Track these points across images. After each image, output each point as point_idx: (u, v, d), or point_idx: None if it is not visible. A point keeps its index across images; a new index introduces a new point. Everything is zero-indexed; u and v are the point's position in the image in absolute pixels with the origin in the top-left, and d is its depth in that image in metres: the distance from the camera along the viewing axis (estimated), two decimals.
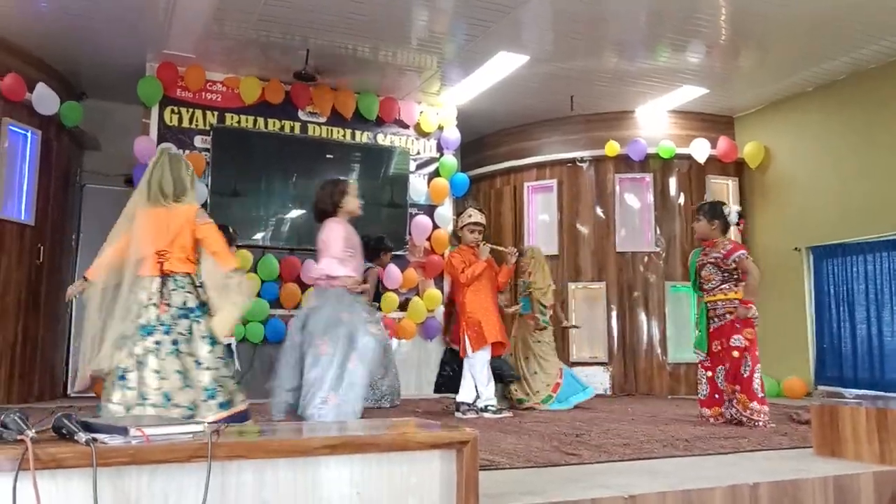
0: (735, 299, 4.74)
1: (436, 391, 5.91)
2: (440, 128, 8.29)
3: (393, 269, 7.43)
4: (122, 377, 3.49)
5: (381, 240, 6.35)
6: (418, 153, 8.21)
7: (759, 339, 8.07)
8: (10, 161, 6.51)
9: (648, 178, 8.48)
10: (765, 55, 7.00)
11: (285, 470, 1.71)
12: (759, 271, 4.81)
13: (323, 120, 7.76)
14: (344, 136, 7.87)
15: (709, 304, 4.88)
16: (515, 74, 7.27)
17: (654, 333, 8.22)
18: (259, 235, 7.42)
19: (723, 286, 4.80)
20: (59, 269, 7.20)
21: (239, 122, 7.44)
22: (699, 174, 8.50)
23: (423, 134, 8.24)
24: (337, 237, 4.21)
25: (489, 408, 5.30)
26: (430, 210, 8.09)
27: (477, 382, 5.36)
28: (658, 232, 8.38)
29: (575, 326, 7.89)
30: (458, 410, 5.38)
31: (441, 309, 7.24)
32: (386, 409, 5.82)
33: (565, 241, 8.56)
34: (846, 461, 2.97)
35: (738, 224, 5.01)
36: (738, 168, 8.61)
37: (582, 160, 8.59)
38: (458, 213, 6.12)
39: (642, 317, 8.28)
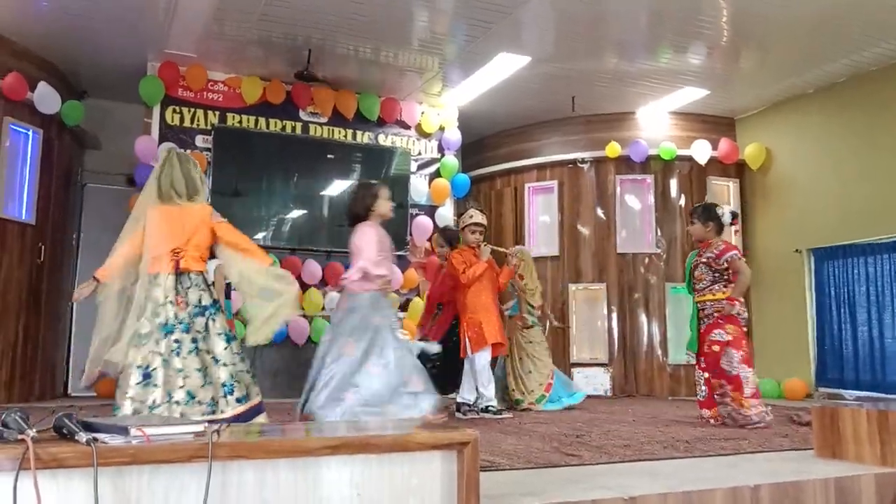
0: (723, 299, 4.76)
1: None
2: (441, 128, 8.29)
3: (394, 269, 7.44)
4: (148, 376, 3.52)
5: None
6: (419, 154, 8.22)
7: (759, 341, 8.17)
8: (12, 160, 6.51)
9: (649, 179, 8.48)
10: (765, 57, 7.00)
11: (286, 470, 1.71)
12: (751, 272, 4.84)
13: (324, 120, 7.76)
14: (345, 136, 7.87)
15: (699, 305, 4.91)
16: (516, 75, 7.27)
17: (654, 335, 8.22)
18: (260, 235, 7.42)
19: (713, 286, 4.83)
20: (60, 269, 7.20)
21: (240, 121, 7.45)
22: (700, 176, 8.50)
23: (424, 134, 8.24)
24: (370, 241, 4.24)
25: (490, 408, 5.30)
26: (430, 211, 8.10)
27: (477, 383, 5.35)
28: (659, 233, 8.38)
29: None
30: (458, 411, 5.39)
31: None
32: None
33: (566, 243, 8.56)
34: (847, 463, 2.96)
35: (732, 224, 5.03)
36: (739, 170, 8.61)
37: (583, 161, 8.59)
38: (459, 213, 6.13)
39: (643, 318, 8.28)
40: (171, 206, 3.77)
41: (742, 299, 4.80)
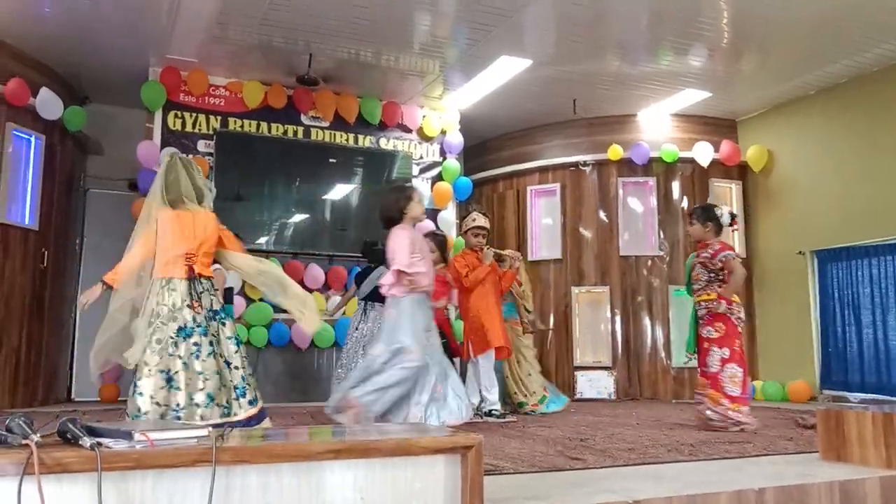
0: (715, 298, 4.77)
1: None
2: (443, 132, 8.30)
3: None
4: (171, 379, 3.55)
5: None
6: (421, 157, 8.22)
7: (763, 343, 8.16)
8: (14, 166, 6.52)
9: (651, 181, 8.48)
10: (767, 58, 6.99)
11: (289, 474, 1.71)
12: (744, 272, 4.83)
13: (326, 124, 7.77)
14: (347, 140, 7.88)
15: (696, 305, 4.92)
16: (518, 78, 7.28)
17: (657, 337, 8.21)
18: (262, 240, 7.43)
19: (708, 287, 4.84)
20: (63, 274, 7.21)
21: (242, 126, 7.45)
22: (702, 178, 8.49)
23: (425, 138, 8.25)
24: (402, 245, 4.27)
25: (493, 412, 5.29)
26: (433, 214, 8.09)
27: (481, 387, 5.35)
28: (661, 236, 8.37)
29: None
30: None
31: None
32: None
33: (568, 245, 8.55)
34: (852, 466, 2.95)
35: (730, 225, 5.03)
36: (741, 171, 8.60)
37: (585, 164, 8.58)
38: (462, 217, 6.13)
39: (646, 321, 8.27)
40: (183, 211, 3.81)
41: (737, 299, 4.80)
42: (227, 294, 5.46)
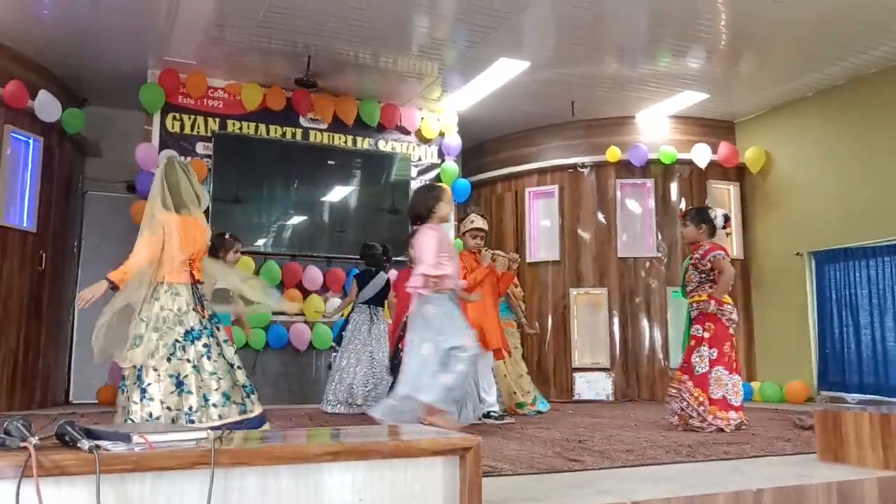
0: (706, 300, 4.79)
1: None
2: (441, 134, 8.30)
3: (394, 275, 7.44)
4: (181, 384, 3.56)
5: (386, 249, 6.47)
6: (419, 159, 8.23)
7: (760, 344, 8.17)
8: (13, 168, 6.52)
9: (649, 183, 8.49)
10: (765, 60, 7.01)
11: (288, 477, 1.71)
12: (734, 272, 4.82)
13: (324, 126, 7.78)
14: (345, 142, 7.89)
15: (689, 307, 4.93)
16: (516, 80, 7.29)
17: (656, 339, 8.21)
18: (261, 242, 7.43)
19: (699, 288, 4.85)
20: (61, 276, 7.21)
21: (240, 128, 7.46)
22: (700, 179, 8.50)
23: (424, 140, 8.26)
24: (430, 245, 4.29)
25: (491, 414, 5.29)
26: None
27: (479, 389, 5.33)
28: (659, 237, 8.38)
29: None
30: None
31: None
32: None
33: (567, 247, 8.56)
34: (850, 467, 2.95)
35: (724, 227, 5.03)
36: (739, 173, 8.61)
37: (583, 166, 8.59)
38: (460, 218, 6.13)
39: (644, 322, 8.27)
40: (186, 217, 3.84)
41: (730, 301, 4.80)
42: (219, 294, 5.43)
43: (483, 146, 9.42)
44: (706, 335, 4.73)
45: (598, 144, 8.51)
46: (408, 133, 8.19)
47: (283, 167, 7.58)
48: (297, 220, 7.75)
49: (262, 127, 7.54)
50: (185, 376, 3.60)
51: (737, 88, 7.74)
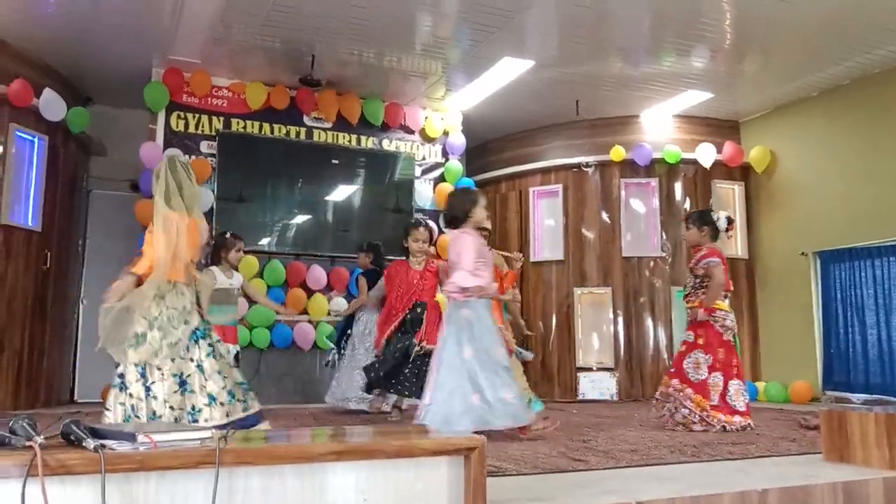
0: (697, 307, 4.79)
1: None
2: (445, 133, 8.30)
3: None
4: (184, 383, 3.58)
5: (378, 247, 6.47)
6: (423, 158, 8.22)
7: (765, 344, 8.15)
8: (18, 167, 6.53)
9: (654, 182, 8.47)
10: (769, 60, 6.99)
11: (292, 476, 1.71)
12: (723, 281, 4.74)
13: (328, 125, 7.78)
14: (349, 141, 7.89)
15: (687, 310, 4.92)
16: (520, 79, 7.28)
17: (660, 339, 8.20)
18: (265, 241, 7.44)
19: (693, 294, 4.85)
20: (65, 275, 7.22)
21: (245, 127, 7.46)
22: (705, 179, 8.48)
23: (428, 139, 8.25)
24: (468, 250, 4.28)
25: None
26: (435, 215, 8.08)
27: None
28: (664, 237, 8.36)
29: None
30: None
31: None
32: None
33: (571, 247, 8.55)
34: (855, 467, 2.95)
35: (727, 230, 4.99)
36: (743, 173, 8.59)
37: (587, 165, 8.58)
38: None
39: (648, 322, 8.26)
40: (192, 218, 3.85)
41: (724, 307, 4.76)
42: (221, 294, 5.42)
43: (487, 145, 9.41)
44: (700, 341, 4.73)
45: (603, 144, 8.50)
46: (412, 132, 8.18)
47: (286, 166, 7.58)
48: (301, 219, 7.75)
49: (266, 126, 7.54)
50: (189, 375, 3.61)
51: (741, 88, 7.73)
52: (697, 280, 4.84)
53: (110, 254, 7.03)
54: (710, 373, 4.65)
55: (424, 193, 8.11)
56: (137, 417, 3.52)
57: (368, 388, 5.59)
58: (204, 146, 7.27)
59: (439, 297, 5.41)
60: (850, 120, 7.40)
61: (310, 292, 7.36)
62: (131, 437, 1.59)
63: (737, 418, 4.59)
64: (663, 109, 8.30)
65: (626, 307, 8.29)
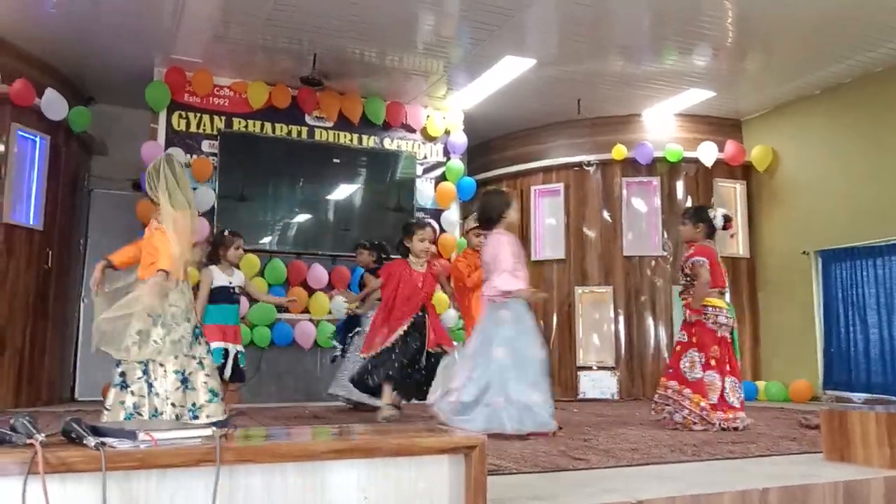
0: (685, 308, 4.81)
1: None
2: (447, 132, 8.30)
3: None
4: (186, 380, 3.59)
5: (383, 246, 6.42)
6: (425, 157, 8.22)
7: (766, 343, 8.14)
8: (19, 166, 6.54)
9: (655, 181, 8.47)
10: (771, 58, 6.98)
11: (293, 474, 1.71)
12: (708, 281, 4.71)
13: (330, 124, 7.78)
14: (351, 140, 7.89)
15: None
16: (521, 78, 7.28)
17: (661, 338, 8.20)
18: (266, 240, 7.44)
19: (685, 291, 4.86)
20: (67, 274, 7.23)
21: (246, 126, 7.47)
22: (706, 178, 8.48)
23: (429, 138, 8.25)
24: (506, 251, 4.31)
25: None
26: (436, 214, 8.09)
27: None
28: (665, 236, 8.35)
29: None
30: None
31: (451, 312, 7.22)
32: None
33: (572, 245, 8.55)
34: (856, 466, 2.95)
35: (725, 228, 4.95)
36: (745, 171, 8.59)
37: (589, 164, 8.58)
38: (464, 217, 6.12)
39: (649, 321, 8.26)
40: (191, 218, 3.87)
41: (718, 303, 4.75)
42: (221, 293, 5.39)
43: (489, 144, 9.41)
44: (694, 340, 4.73)
45: (604, 142, 8.50)
46: (413, 131, 8.18)
47: (288, 165, 7.59)
48: (302, 218, 7.75)
49: (268, 125, 7.54)
50: (190, 373, 3.63)
51: (743, 86, 7.72)
52: (687, 278, 4.84)
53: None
54: (704, 371, 4.65)
55: (426, 192, 8.11)
56: (140, 415, 3.53)
57: (368, 391, 5.33)
58: (205, 145, 7.27)
59: (435, 298, 5.38)
60: (852, 118, 7.39)
61: (311, 291, 7.37)
62: (132, 435, 1.59)
63: (731, 415, 4.59)
64: (665, 108, 8.29)
65: (627, 306, 8.29)
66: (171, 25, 6.24)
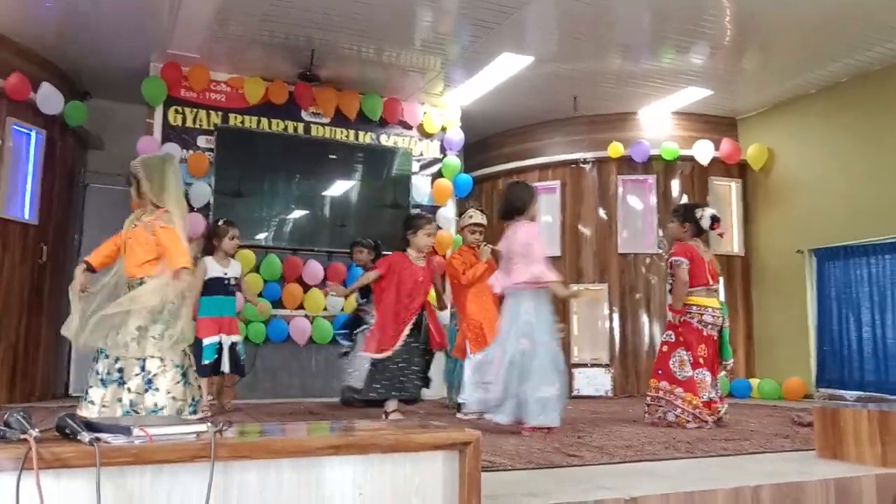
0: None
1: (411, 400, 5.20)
2: (443, 129, 8.29)
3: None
4: (185, 375, 3.62)
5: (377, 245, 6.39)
6: (421, 154, 8.21)
7: (760, 341, 8.16)
8: (14, 160, 6.52)
9: (651, 179, 8.48)
10: (768, 57, 6.99)
11: (288, 470, 1.71)
12: (686, 281, 4.72)
13: (326, 120, 7.77)
14: (347, 136, 7.88)
15: None
16: (519, 75, 7.27)
17: (655, 335, 8.20)
18: (262, 236, 7.43)
19: (670, 290, 4.88)
20: (61, 269, 7.21)
21: (243, 122, 7.45)
22: (702, 176, 8.49)
23: (426, 135, 8.24)
24: (540, 241, 4.32)
25: None
26: (432, 211, 8.07)
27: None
28: (660, 234, 8.37)
29: None
30: (459, 411, 5.38)
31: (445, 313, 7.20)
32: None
33: (567, 243, 8.56)
34: (848, 464, 2.96)
35: (713, 228, 4.95)
36: (741, 170, 8.60)
37: (585, 161, 8.59)
38: (460, 213, 6.12)
39: (644, 318, 8.28)
40: (185, 218, 3.87)
41: (704, 302, 4.75)
42: (215, 284, 5.36)
43: (485, 141, 9.40)
44: (681, 339, 4.74)
45: (601, 140, 8.50)
46: (410, 128, 8.17)
47: (284, 161, 7.57)
48: (298, 214, 7.75)
49: (265, 121, 7.53)
50: (188, 367, 3.63)
51: (740, 85, 7.73)
52: (671, 277, 4.86)
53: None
54: (694, 370, 4.66)
55: (422, 189, 8.10)
56: (136, 412, 3.52)
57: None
58: (202, 141, 7.25)
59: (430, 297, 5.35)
60: (849, 118, 7.41)
61: (306, 287, 7.36)
62: (126, 431, 1.59)
63: (716, 405, 4.64)
64: (662, 106, 8.30)
65: (622, 304, 8.30)
66: (167, 20, 6.22)
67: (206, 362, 5.21)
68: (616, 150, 8.34)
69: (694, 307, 4.75)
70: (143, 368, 3.59)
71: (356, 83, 7.65)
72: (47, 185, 6.85)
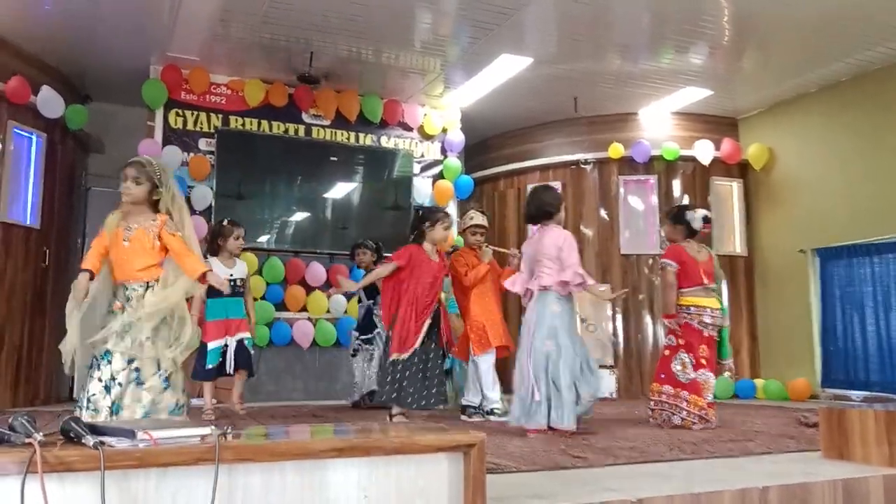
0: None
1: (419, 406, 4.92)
2: (444, 130, 8.29)
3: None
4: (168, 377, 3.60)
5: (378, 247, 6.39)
6: (422, 155, 8.21)
7: (763, 341, 8.15)
8: (16, 164, 6.52)
9: (652, 179, 8.47)
10: (768, 57, 6.99)
11: (293, 472, 1.71)
12: (673, 283, 4.75)
13: (327, 122, 7.77)
14: (348, 138, 7.87)
15: None
16: (519, 77, 7.27)
17: (659, 336, 8.18)
18: (264, 238, 7.43)
19: None
20: (64, 272, 7.20)
21: (243, 124, 7.45)
22: (703, 176, 8.48)
23: (426, 136, 8.24)
24: (573, 247, 4.38)
25: (495, 411, 5.29)
26: None
27: (482, 386, 5.34)
28: (662, 234, 8.34)
29: None
30: (463, 413, 5.37)
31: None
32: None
33: None
34: (855, 464, 2.95)
35: (704, 229, 4.98)
36: (742, 170, 8.59)
37: (586, 162, 8.58)
38: (461, 215, 6.11)
39: (647, 319, 8.26)
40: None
41: (703, 303, 4.74)
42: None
43: (486, 142, 9.40)
44: (681, 341, 4.74)
45: (601, 141, 8.50)
46: (410, 129, 8.17)
47: (285, 163, 7.57)
48: (299, 216, 7.74)
49: (265, 123, 7.53)
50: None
51: (740, 85, 7.72)
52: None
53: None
54: (697, 371, 4.66)
55: (423, 190, 8.10)
56: (156, 412, 3.52)
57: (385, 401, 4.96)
58: (202, 143, 7.26)
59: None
60: (849, 117, 7.40)
61: (309, 289, 7.36)
62: (131, 434, 1.59)
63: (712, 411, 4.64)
64: (662, 106, 8.29)
65: (625, 305, 8.29)
66: (167, 23, 6.23)
67: (210, 366, 5.20)
68: (617, 150, 8.33)
69: (692, 308, 4.74)
70: (159, 367, 3.57)
71: (356, 85, 7.65)
72: (49, 188, 6.85)
